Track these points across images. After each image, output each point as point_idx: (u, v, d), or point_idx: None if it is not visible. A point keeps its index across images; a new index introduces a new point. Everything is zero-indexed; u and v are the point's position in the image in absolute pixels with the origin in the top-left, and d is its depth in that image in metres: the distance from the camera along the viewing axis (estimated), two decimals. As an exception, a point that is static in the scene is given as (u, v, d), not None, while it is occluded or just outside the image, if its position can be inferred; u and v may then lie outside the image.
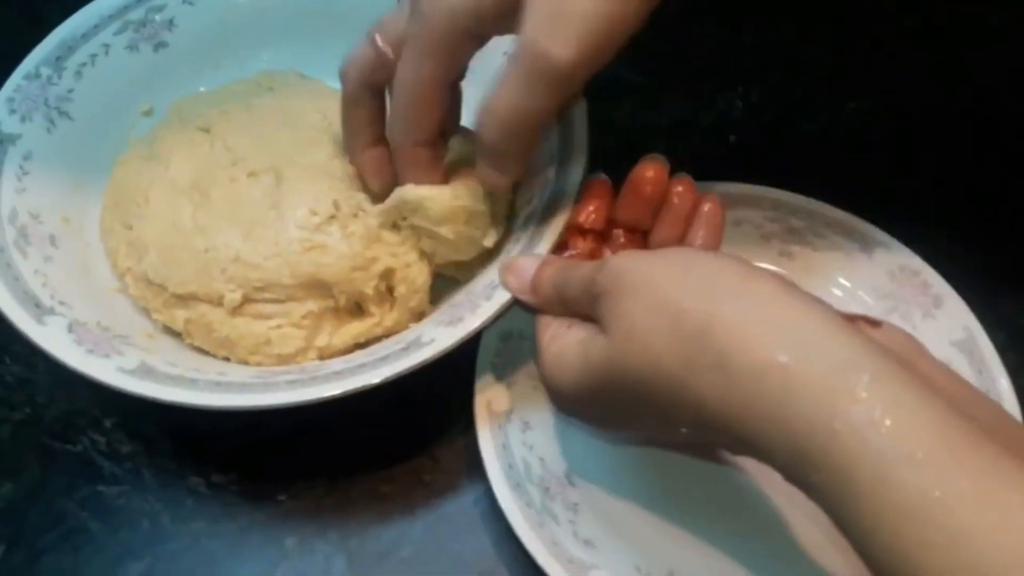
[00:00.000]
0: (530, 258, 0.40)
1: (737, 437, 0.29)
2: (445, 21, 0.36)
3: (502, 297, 0.40)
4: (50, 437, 0.47)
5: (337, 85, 0.51)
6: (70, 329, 0.41)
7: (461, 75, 0.41)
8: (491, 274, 0.43)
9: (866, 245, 0.48)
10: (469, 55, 0.39)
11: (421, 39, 0.37)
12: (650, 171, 0.40)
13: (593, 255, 0.42)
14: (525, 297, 0.39)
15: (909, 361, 0.31)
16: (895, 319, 0.46)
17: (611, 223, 0.42)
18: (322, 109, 0.49)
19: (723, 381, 0.28)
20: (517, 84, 0.35)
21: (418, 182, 0.42)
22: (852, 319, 0.33)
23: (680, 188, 0.41)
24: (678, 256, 0.33)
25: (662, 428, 0.34)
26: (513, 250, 0.43)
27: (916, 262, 0.47)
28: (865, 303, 0.47)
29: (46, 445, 0.46)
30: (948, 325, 0.46)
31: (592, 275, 0.34)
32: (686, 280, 0.31)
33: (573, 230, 0.42)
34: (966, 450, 0.25)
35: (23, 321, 0.40)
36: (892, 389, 0.27)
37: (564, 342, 0.35)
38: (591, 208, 0.42)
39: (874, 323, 0.35)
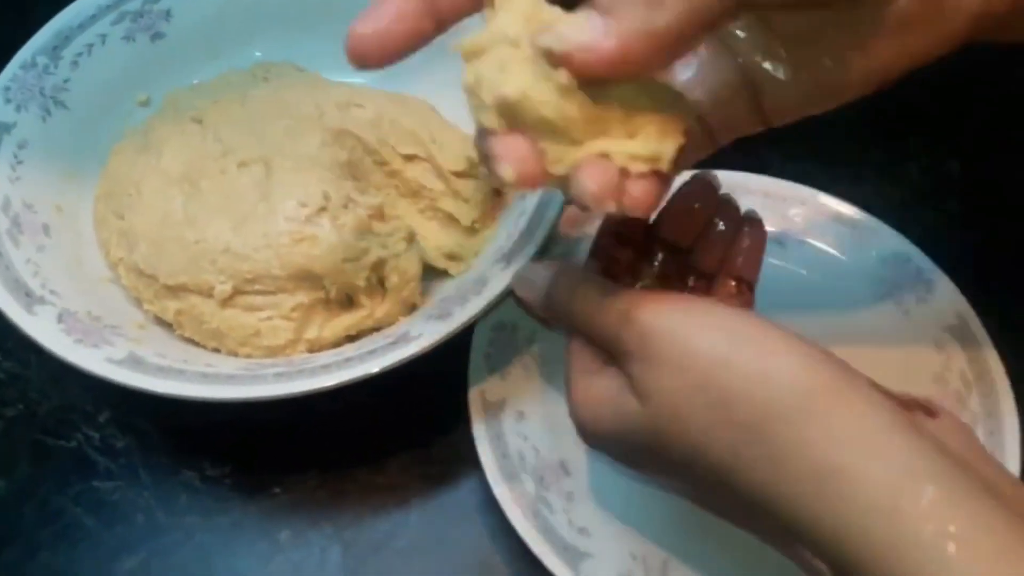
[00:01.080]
0: (541, 268, 0.36)
1: (785, 527, 0.27)
2: None
3: (492, 292, 0.40)
4: (43, 433, 0.47)
5: (332, 76, 0.52)
6: (60, 319, 0.41)
7: None
8: (481, 268, 0.43)
9: (858, 232, 0.48)
10: None
11: None
12: (701, 189, 0.37)
13: (628, 269, 0.38)
14: (541, 314, 0.36)
15: (966, 460, 0.28)
16: (888, 305, 0.46)
17: (651, 236, 0.38)
18: (316, 100, 0.49)
19: (775, 476, 0.27)
20: None
21: None
22: (910, 407, 0.31)
23: (727, 210, 0.38)
24: (721, 326, 0.29)
25: (700, 496, 0.32)
26: (506, 244, 0.43)
27: (908, 248, 0.47)
28: (856, 293, 0.47)
29: (39, 441, 0.46)
30: (941, 310, 0.45)
31: (618, 331, 0.30)
32: (734, 361, 0.28)
33: (611, 235, 0.38)
34: None
35: (13, 310, 0.40)
36: (956, 502, 0.25)
37: (596, 389, 0.32)
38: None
39: (931, 413, 0.33)
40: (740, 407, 0.27)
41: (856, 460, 0.26)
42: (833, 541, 0.26)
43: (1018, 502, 0.28)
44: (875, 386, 0.29)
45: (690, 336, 0.29)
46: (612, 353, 0.31)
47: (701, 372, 0.28)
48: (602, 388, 0.32)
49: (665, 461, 0.30)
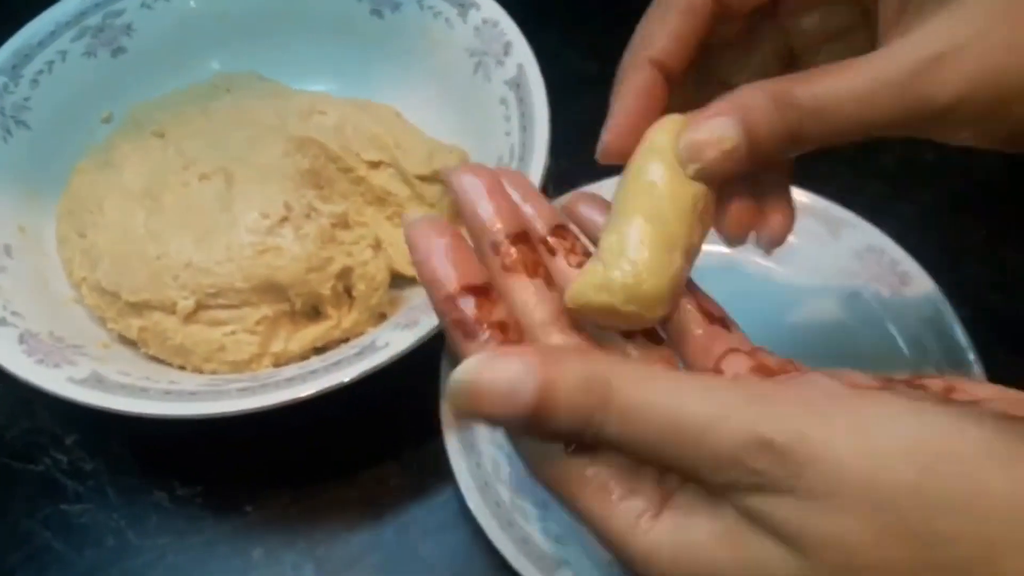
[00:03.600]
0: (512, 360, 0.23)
1: None
2: None
3: None
4: (10, 457, 0.46)
5: (295, 85, 0.51)
6: (21, 339, 0.40)
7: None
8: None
9: (831, 225, 0.48)
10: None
11: None
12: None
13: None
14: (521, 423, 0.23)
15: None
16: (863, 298, 0.46)
17: None
18: (278, 109, 0.48)
19: None
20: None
21: None
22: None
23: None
24: (902, 443, 0.21)
25: None
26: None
27: (882, 240, 0.47)
28: (831, 287, 0.47)
29: (6, 465, 0.46)
30: (916, 302, 0.45)
31: (736, 453, 0.22)
32: (927, 488, 0.21)
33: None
34: None
35: None
36: None
37: (695, 535, 0.23)
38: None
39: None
40: (950, 547, 0.21)
41: None
42: None
43: None
44: None
45: (873, 459, 0.21)
46: (705, 480, 0.23)
47: (893, 509, 0.21)
48: (705, 534, 0.23)
49: None
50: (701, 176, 0.27)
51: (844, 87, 0.26)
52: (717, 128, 0.27)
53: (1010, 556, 0.20)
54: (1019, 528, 0.20)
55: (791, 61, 0.32)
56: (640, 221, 0.27)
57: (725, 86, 0.29)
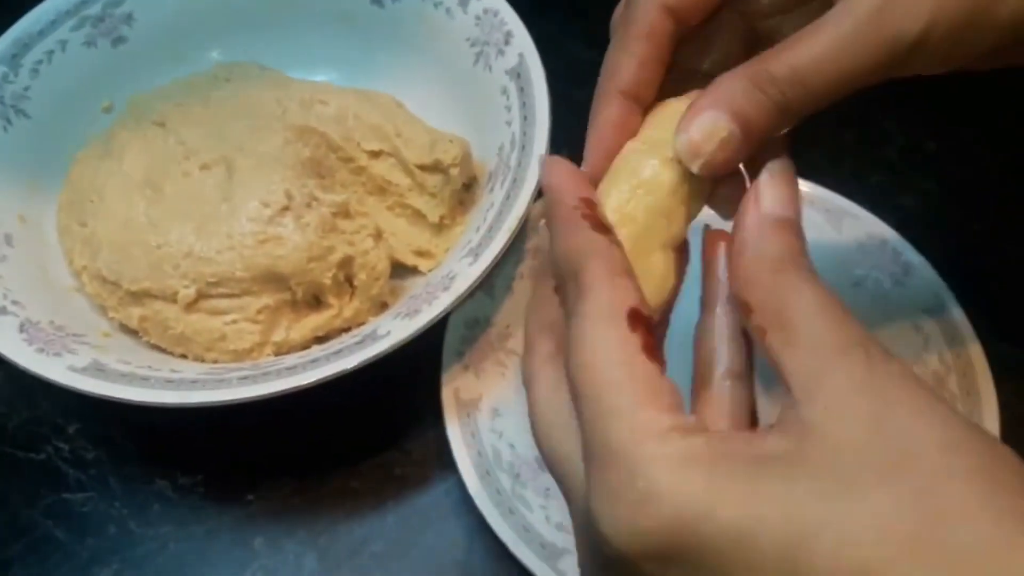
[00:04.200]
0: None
1: None
2: None
3: (460, 287, 0.39)
4: (12, 446, 0.46)
5: (295, 74, 0.51)
6: (21, 328, 0.40)
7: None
8: (450, 263, 0.43)
9: (833, 215, 0.47)
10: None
11: None
12: None
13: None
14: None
15: None
16: (866, 288, 0.46)
17: None
18: (279, 98, 0.48)
19: None
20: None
21: None
22: None
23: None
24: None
25: None
26: (474, 238, 0.43)
27: (885, 230, 0.47)
28: (833, 277, 0.46)
29: (9, 455, 0.46)
30: (918, 292, 0.45)
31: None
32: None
33: None
34: None
35: None
36: None
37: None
38: None
39: None
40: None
41: None
42: None
43: None
44: None
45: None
46: None
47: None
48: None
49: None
50: (706, 170, 0.27)
51: (817, 50, 0.27)
52: (707, 122, 0.27)
53: None
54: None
55: (754, 40, 0.32)
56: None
57: (694, 73, 0.31)
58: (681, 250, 0.29)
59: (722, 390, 0.27)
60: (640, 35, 0.30)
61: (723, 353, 0.28)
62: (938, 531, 0.21)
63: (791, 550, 0.22)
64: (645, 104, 0.30)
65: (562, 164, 0.29)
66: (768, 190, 0.27)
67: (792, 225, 0.27)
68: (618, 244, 0.27)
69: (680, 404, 0.24)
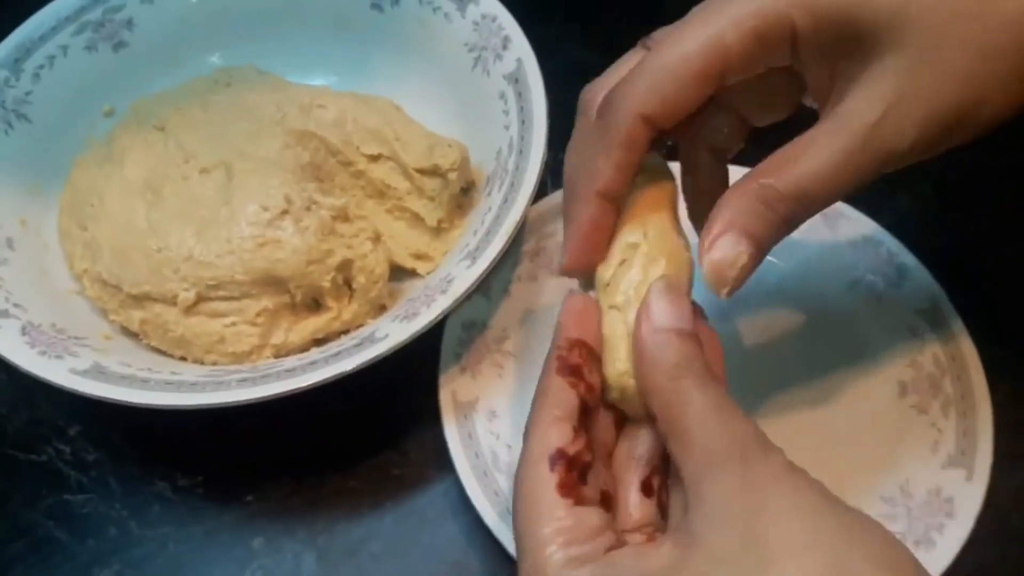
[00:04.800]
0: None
1: None
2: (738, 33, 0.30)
3: (457, 290, 0.40)
4: (13, 448, 0.46)
5: (295, 79, 0.52)
6: (23, 331, 0.41)
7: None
8: (448, 266, 0.43)
9: (829, 217, 0.48)
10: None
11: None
12: None
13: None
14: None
15: None
16: (860, 290, 0.46)
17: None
18: (278, 102, 0.48)
19: None
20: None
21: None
22: None
23: None
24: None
25: None
26: (472, 241, 0.43)
27: (879, 232, 0.47)
28: (828, 279, 0.47)
29: (10, 456, 0.46)
30: (912, 294, 0.45)
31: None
32: None
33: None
34: None
35: None
36: None
37: None
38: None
39: None
40: None
41: None
42: None
43: None
44: None
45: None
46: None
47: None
48: None
49: None
50: (731, 295, 0.30)
51: (818, 168, 0.29)
52: (729, 249, 0.29)
53: None
54: None
55: (741, 122, 0.35)
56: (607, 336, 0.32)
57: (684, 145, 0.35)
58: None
59: (629, 503, 0.31)
60: (618, 143, 0.31)
61: (632, 466, 0.31)
62: None
63: None
64: (619, 202, 0.33)
65: (576, 302, 0.32)
66: (655, 306, 0.30)
67: (683, 333, 0.29)
68: (577, 386, 0.30)
69: (588, 532, 0.28)
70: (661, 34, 0.33)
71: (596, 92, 0.34)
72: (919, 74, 0.28)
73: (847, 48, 0.29)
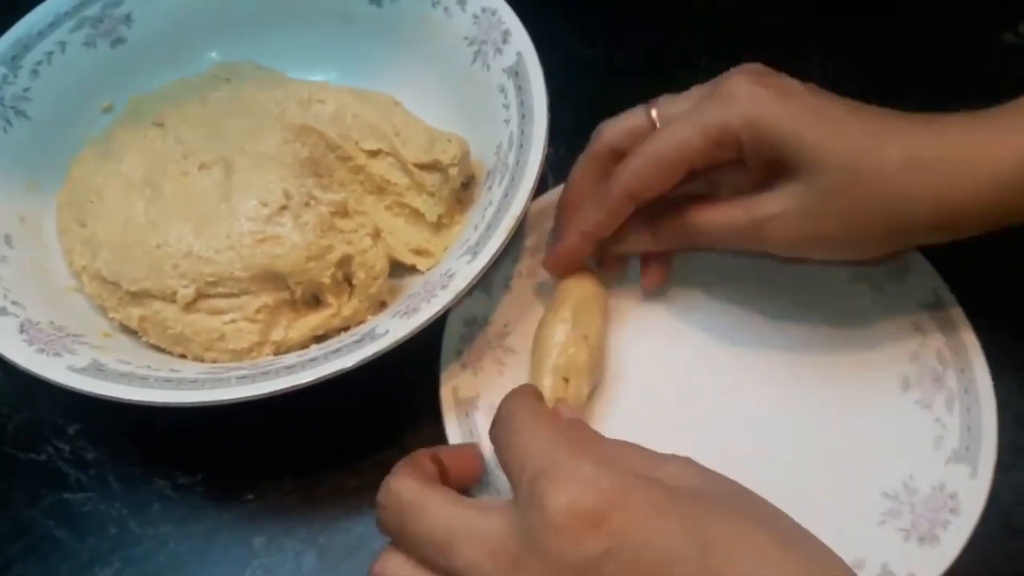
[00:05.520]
0: None
1: None
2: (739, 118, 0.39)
3: (458, 286, 0.39)
4: (13, 447, 0.46)
5: (294, 74, 0.51)
6: (21, 329, 0.40)
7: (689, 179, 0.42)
8: (448, 262, 0.43)
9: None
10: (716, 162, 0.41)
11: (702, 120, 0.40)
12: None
13: None
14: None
15: None
16: (864, 285, 0.46)
17: None
18: (277, 98, 0.48)
19: None
20: None
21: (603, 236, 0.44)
22: None
23: None
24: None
25: None
26: (472, 236, 0.43)
27: (883, 227, 0.47)
28: (832, 274, 0.47)
29: (9, 455, 0.46)
30: (917, 289, 0.45)
31: None
32: None
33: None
34: None
35: None
36: None
37: None
38: None
39: None
40: None
41: None
42: None
43: None
44: None
45: None
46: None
47: None
48: None
49: None
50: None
51: (719, 224, 0.41)
52: (640, 245, 0.45)
53: None
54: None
55: (712, 185, 0.43)
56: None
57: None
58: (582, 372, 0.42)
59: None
60: (608, 209, 0.42)
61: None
62: None
63: None
64: (598, 243, 0.44)
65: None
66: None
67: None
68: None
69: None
70: (663, 105, 0.42)
71: (608, 130, 0.43)
72: (810, 206, 0.38)
73: (775, 162, 0.39)
